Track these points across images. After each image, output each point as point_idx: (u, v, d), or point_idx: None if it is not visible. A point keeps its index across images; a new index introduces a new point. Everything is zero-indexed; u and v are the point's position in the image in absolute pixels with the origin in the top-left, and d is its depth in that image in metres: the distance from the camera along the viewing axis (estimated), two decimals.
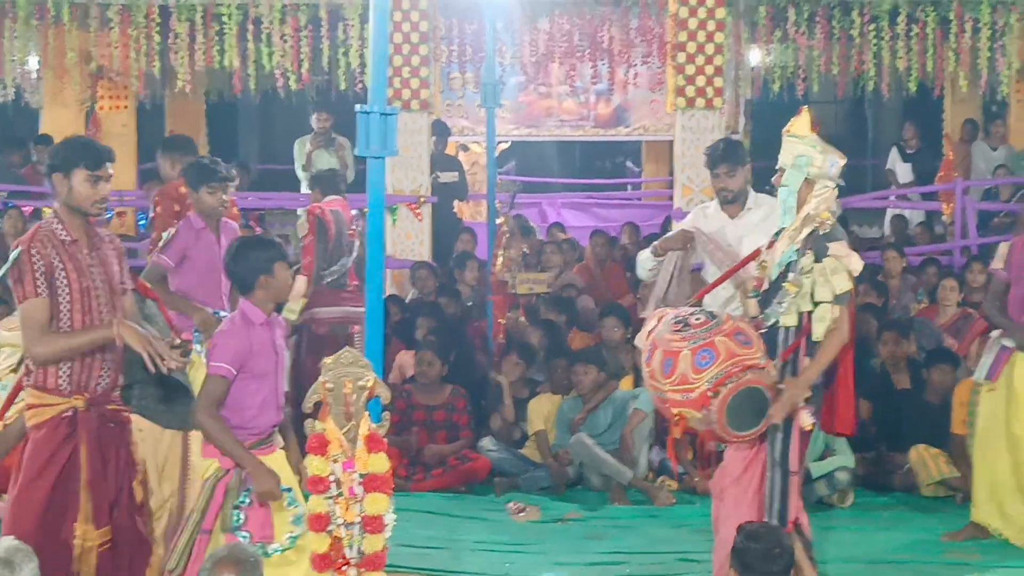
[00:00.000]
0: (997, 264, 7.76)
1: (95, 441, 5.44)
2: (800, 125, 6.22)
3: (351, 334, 9.19)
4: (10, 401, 5.81)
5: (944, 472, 8.52)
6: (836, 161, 6.14)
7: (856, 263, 6.04)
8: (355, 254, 9.45)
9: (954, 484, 8.51)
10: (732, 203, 7.11)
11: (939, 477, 8.54)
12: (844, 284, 5.99)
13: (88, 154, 5.44)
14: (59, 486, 5.38)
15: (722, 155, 7.09)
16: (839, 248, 6.03)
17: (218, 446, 5.46)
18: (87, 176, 5.40)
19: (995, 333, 7.76)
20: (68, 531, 5.36)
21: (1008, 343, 7.59)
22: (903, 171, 15.60)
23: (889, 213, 15.40)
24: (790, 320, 6.06)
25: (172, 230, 7.65)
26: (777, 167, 6.24)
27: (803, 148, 6.14)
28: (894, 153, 15.85)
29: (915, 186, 15.41)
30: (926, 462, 8.65)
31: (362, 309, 8.35)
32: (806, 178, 6.11)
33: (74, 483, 5.39)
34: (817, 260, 6.01)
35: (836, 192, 6.18)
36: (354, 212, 9.61)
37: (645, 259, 7.26)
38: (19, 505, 5.38)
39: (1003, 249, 7.76)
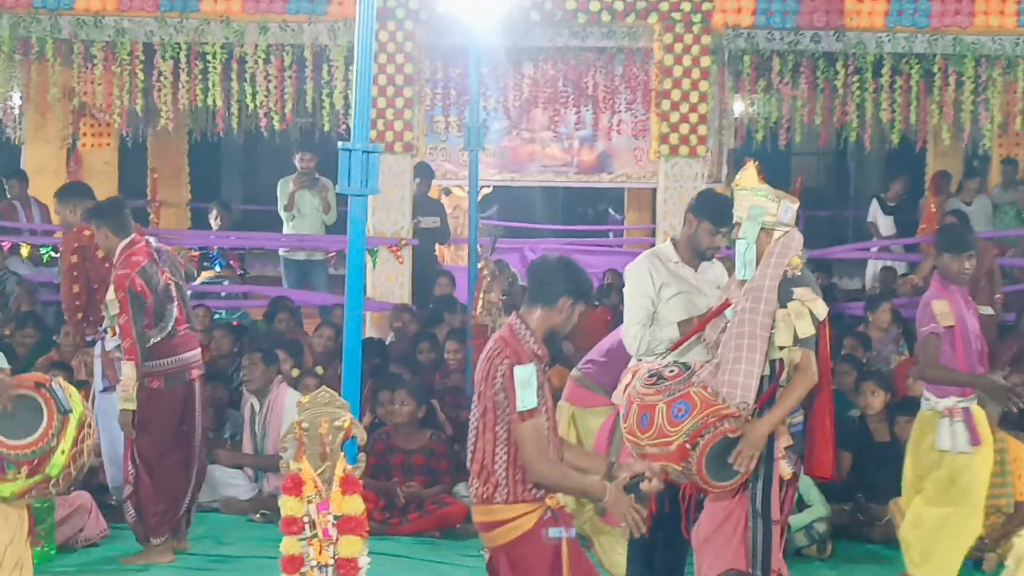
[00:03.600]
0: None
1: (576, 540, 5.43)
2: (747, 177, 6.23)
3: (190, 381, 8.13)
4: None
5: None
6: (789, 207, 6.15)
7: (820, 308, 6.03)
8: (176, 297, 8.13)
9: None
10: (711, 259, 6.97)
11: None
12: (807, 328, 5.97)
13: None
14: None
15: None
16: (804, 293, 6.02)
17: None
18: None
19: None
20: None
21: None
22: (885, 223, 15.59)
23: (871, 265, 15.39)
24: (764, 369, 6.04)
25: None
26: (733, 221, 6.24)
27: (755, 199, 6.15)
28: (874, 205, 15.84)
29: (897, 238, 15.42)
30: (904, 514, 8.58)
31: (196, 352, 8.26)
32: (762, 228, 6.11)
33: None
34: (782, 305, 5.99)
35: (800, 236, 6.16)
36: (159, 247, 8.19)
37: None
38: None
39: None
